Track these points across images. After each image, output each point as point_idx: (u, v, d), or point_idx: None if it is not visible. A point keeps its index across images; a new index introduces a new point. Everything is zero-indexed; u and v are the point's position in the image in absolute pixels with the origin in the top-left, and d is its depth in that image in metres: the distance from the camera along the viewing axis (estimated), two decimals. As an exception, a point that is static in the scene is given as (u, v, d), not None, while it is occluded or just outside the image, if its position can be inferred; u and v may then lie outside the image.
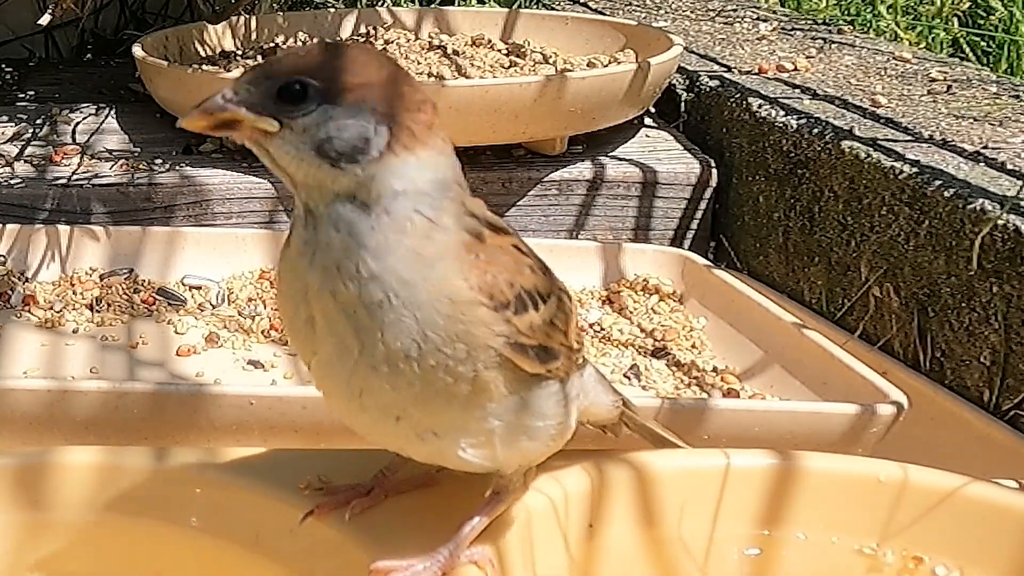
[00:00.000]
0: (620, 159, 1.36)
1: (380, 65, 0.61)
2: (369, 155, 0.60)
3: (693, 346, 1.12)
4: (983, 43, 1.78)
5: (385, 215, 0.60)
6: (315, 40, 0.53)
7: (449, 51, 1.47)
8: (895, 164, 1.09)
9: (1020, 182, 1.01)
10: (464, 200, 0.63)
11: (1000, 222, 0.96)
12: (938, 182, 1.04)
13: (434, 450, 0.67)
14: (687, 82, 1.47)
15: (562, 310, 0.67)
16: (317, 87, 0.59)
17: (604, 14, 1.80)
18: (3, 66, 1.78)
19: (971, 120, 1.21)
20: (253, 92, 0.59)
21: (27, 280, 1.18)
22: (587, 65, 1.44)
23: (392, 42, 1.51)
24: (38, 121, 1.49)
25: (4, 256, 1.20)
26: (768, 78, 1.41)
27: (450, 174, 0.62)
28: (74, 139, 1.42)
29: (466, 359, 0.61)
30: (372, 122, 0.59)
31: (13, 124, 1.47)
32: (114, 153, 1.36)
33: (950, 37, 1.77)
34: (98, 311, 1.14)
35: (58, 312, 1.13)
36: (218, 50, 1.55)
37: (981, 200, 0.99)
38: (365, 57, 0.61)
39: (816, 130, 1.21)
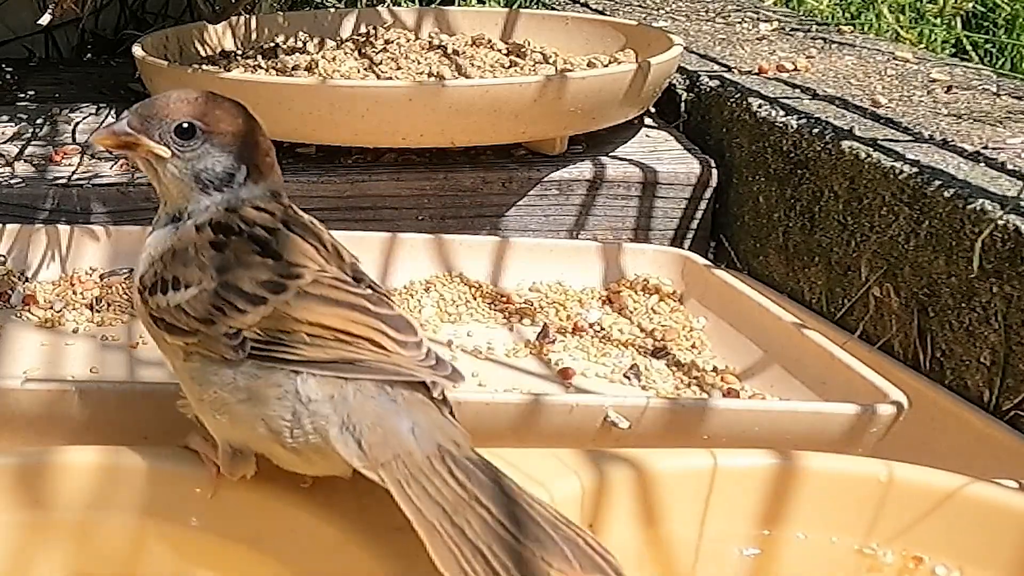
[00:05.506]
0: (620, 159, 1.36)
1: (246, 119, 0.80)
2: (232, 187, 0.78)
3: (693, 346, 1.11)
4: (985, 44, 1.78)
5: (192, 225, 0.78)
6: (198, 89, 0.77)
7: (449, 51, 1.46)
8: (895, 164, 1.09)
9: (1020, 182, 1.01)
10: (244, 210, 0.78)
11: (1000, 222, 0.96)
12: (938, 182, 1.04)
13: None
14: (687, 82, 1.47)
15: (202, 302, 0.74)
16: (203, 129, 0.78)
17: (604, 14, 1.80)
18: (3, 66, 1.79)
19: (971, 120, 1.21)
20: (153, 124, 0.78)
21: (27, 280, 1.18)
22: (587, 65, 1.44)
23: (392, 42, 1.51)
24: (38, 121, 1.49)
25: (4, 256, 1.20)
26: (768, 78, 1.41)
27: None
28: (74, 139, 1.42)
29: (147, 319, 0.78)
30: (237, 162, 0.78)
31: (13, 124, 1.48)
32: (114, 153, 1.36)
33: (952, 37, 1.77)
34: (98, 311, 1.14)
35: (58, 312, 1.13)
36: (218, 50, 1.55)
37: (981, 200, 0.99)
38: (235, 111, 0.80)
39: (816, 130, 1.21)
